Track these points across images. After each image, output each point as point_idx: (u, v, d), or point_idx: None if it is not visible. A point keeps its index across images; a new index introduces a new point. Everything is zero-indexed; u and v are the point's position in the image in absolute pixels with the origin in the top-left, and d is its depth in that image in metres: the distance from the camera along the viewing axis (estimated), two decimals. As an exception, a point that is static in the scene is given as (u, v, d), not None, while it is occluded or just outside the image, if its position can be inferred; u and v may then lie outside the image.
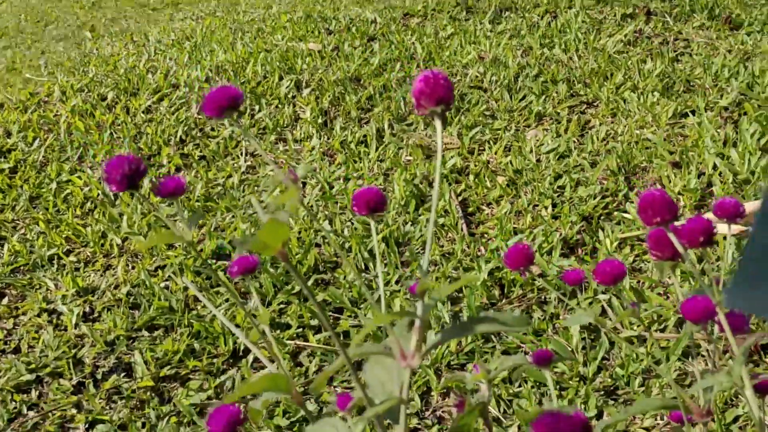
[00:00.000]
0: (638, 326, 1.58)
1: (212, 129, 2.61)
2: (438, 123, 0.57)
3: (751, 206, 1.84)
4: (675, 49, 2.88)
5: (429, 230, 0.52)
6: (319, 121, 2.56)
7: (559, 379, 1.47)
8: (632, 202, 1.97)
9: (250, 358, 1.61)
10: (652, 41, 2.96)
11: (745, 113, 2.32)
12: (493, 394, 1.47)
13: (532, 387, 1.46)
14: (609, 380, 1.47)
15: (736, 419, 1.35)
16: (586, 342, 1.55)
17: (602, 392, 1.45)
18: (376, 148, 2.37)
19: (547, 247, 1.83)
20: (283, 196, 0.49)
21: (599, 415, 1.41)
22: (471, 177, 2.16)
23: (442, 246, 1.90)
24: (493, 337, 1.59)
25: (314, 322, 1.68)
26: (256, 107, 2.72)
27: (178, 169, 2.39)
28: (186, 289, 1.82)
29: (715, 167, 2.06)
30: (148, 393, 1.56)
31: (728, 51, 2.81)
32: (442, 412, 1.46)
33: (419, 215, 2.02)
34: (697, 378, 0.77)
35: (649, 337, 1.55)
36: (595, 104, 2.53)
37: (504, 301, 1.70)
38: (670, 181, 2.03)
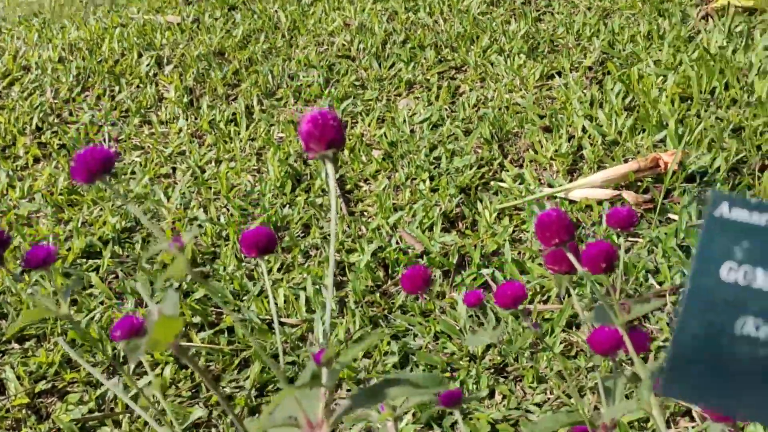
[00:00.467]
0: (522, 298, 1.60)
1: (71, 114, 2.47)
2: (329, 167, 0.54)
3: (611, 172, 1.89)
4: (537, 8, 2.90)
5: (328, 295, 0.49)
6: (185, 100, 2.47)
7: (449, 360, 1.47)
8: (507, 171, 1.98)
9: (133, 364, 1.55)
10: (515, 1, 2.98)
11: (608, 72, 2.37)
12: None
13: (424, 371, 1.45)
14: (498, 357, 1.48)
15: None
16: (473, 320, 1.56)
17: (492, 370, 1.46)
18: (247, 127, 2.30)
19: (428, 223, 1.83)
20: (170, 269, 0.44)
21: (491, 395, 1.42)
22: (346, 152, 2.13)
23: (322, 228, 1.86)
24: (380, 321, 1.58)
25: (197, 320, 1.62)
26: (116, 88, 2.59)
27: (36, 160, 2.26)
28: (55, 293, 1.72)
29: (584, 130, 2.09)
30: (24, 411, 1.47)
31: (588, 9, 2.85)
32: (335, 404, 1.44)
33: (296, 196, 1.97)
34: (598, 380, 0.77)
35: (533, 309, 1.57)
36: (463, 69, 2.53)
37: (390, 282, 1.69)
38: (542, 146, 2.05)
